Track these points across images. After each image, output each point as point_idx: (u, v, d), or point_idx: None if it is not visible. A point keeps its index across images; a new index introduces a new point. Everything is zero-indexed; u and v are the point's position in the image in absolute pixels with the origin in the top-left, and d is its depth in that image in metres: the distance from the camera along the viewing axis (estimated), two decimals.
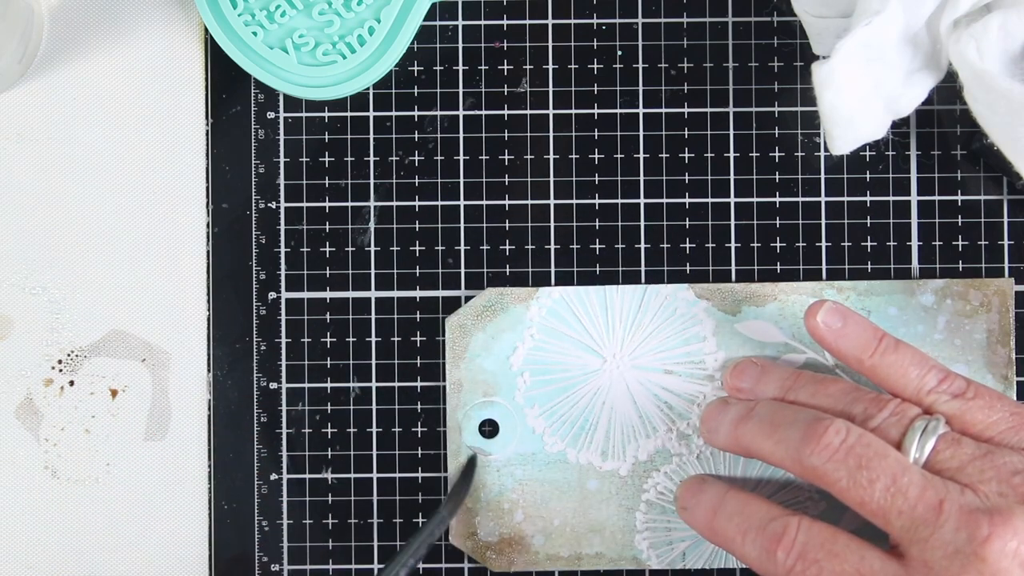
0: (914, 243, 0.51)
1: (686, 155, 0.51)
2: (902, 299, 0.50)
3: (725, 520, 0.45)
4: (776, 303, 0.50)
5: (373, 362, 0.51)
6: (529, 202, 0.51)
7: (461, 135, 0.51)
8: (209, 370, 0.51)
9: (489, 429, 0.50)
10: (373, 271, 0.51)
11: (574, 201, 0.51)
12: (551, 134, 0.51)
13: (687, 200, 0.51)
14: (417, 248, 0.51)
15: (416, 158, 0.51)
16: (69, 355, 0.50)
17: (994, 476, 0.41)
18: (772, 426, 0.44)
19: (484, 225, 0.51)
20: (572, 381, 0.50)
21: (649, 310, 0.50)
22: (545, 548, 0.50)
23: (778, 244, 0.50)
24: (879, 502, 0.41)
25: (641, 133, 0.51)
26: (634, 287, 0.50)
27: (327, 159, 0.51)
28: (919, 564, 0.41)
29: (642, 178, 0.51)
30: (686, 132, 0.51)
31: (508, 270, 0.51)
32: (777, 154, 0.51)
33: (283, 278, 0.51)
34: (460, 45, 0.51)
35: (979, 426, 0.43)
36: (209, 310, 0.51)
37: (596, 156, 0.51)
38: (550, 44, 0.51)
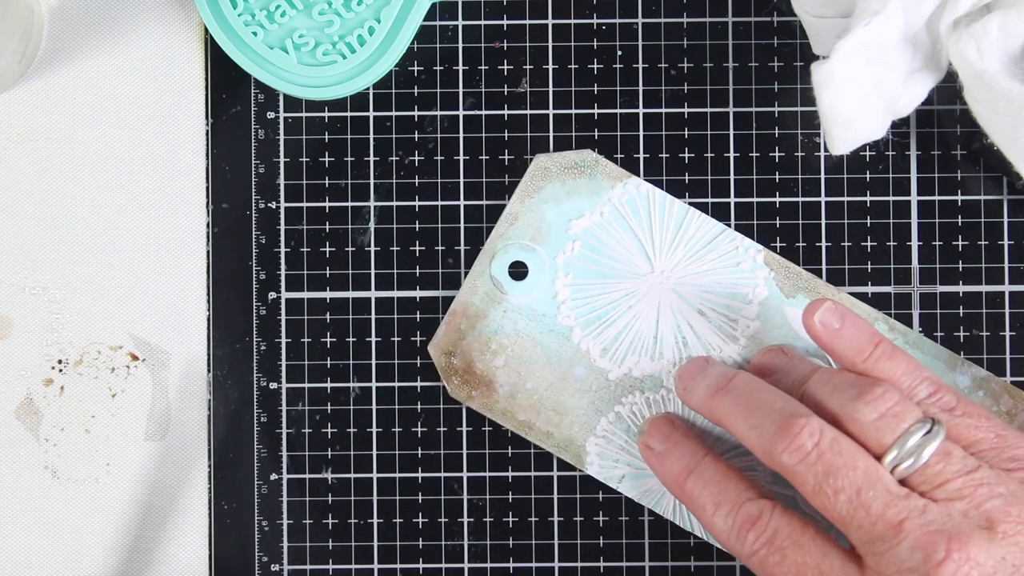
0: (914, 243, 0.51)
1: (686, 155, 0.51)
2: (941, 368, 0.49)
3: (700, 486, 0.45)
4: None
5: (373, 362, 0.51)
6: None
7: (461, 135, 0.51)
8: (209, 370, 0.51)
9: (515, 272, 0.50)
10: (373, 271, 0.51)
11: None
12: (551, 134, 0.51)
13: (687, 200, 0.51)
14: (417, 248, 0.51)
15: (416, 158, 0.51)
16: (69, 355, 0.50)
17: (969, 495, 0.41)
18: (748, 408, 0.44)
19: (484, 225, 0.51)
20: (614, 272, 0.50)
21: (716, 250, 0.50)
22: (506, 401, 0.50)
23: (778, 244, 0.50)
24: (840, 512, 0.41)
25: (641, 133, 0.51)
26: (716, 224, 0.50)
27: (327, 159, 0.51)
28: (873, 574, 0.41)
29: (642, 178, 0.51)
30: (686, 132, 0.51)
31: None
32: (777, 154, 0.51)
33: (283, 278, 0.51)
34: (460, 45, 0.51)
35: (963, 443, 0.43)
36: (209, 310, 0.51)
37: None
38: (550, 44, 0.51)
